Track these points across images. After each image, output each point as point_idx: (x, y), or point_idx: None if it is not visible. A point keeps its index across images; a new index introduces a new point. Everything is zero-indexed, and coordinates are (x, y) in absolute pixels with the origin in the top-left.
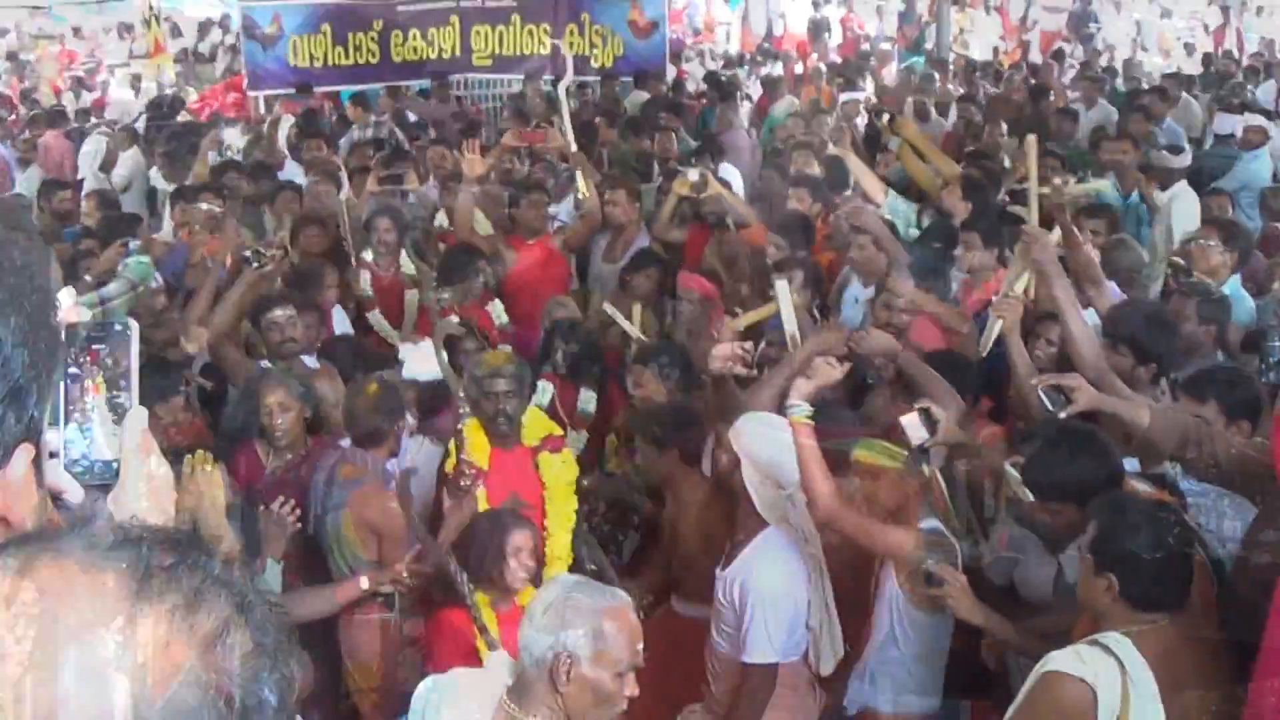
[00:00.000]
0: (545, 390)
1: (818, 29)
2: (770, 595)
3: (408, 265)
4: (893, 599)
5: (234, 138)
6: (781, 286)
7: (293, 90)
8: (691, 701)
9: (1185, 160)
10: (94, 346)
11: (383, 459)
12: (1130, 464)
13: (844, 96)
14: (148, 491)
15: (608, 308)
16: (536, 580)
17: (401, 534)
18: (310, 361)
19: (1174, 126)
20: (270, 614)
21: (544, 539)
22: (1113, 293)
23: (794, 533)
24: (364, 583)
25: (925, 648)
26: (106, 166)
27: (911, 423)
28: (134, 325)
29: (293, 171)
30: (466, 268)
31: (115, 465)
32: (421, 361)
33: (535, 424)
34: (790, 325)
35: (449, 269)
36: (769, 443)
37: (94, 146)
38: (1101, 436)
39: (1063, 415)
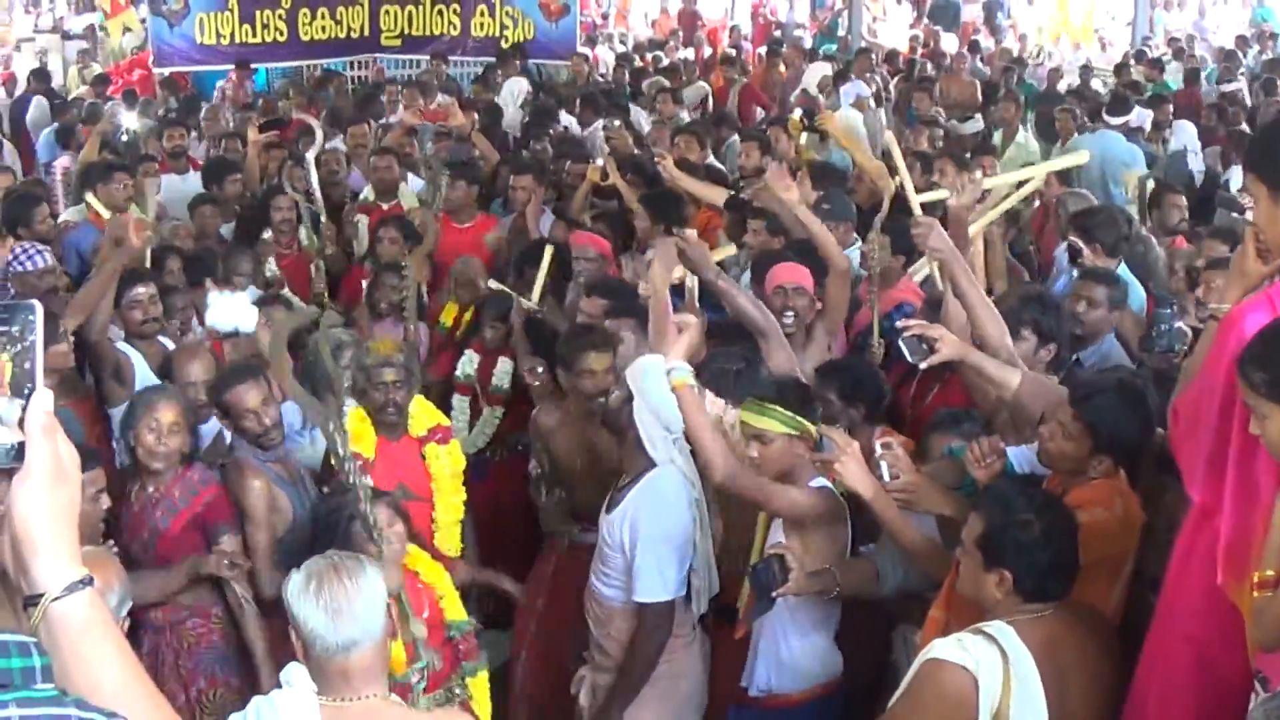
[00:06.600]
0: (471, 360)
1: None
2: (661, 533)
3: (310, 240)
4: None
5: (130, 121)
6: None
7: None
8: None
9: None
10: None
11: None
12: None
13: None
14: (54, 475)
15: (493, 283)
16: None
17: (262, 517)
18: (166, 342)
19: None
20: None
21: (432, 531)
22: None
23: (680, 476)
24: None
25: (812, 616)
26: None
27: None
28: (38, 304)
29: None
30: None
31: (14, 448)
32: (226, 312)
33: (422, 414)
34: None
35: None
36: (664, 383)
37: None
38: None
39: (923, 365)
